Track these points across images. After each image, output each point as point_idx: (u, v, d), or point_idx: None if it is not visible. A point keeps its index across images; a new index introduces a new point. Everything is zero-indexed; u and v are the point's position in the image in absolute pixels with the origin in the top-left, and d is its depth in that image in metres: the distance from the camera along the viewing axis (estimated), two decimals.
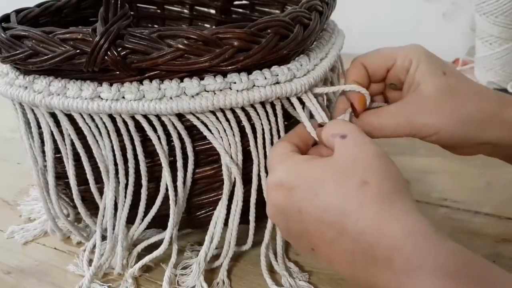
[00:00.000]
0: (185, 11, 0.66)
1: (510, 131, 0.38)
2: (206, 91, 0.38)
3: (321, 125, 0.39)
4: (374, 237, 0.29)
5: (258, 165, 0.43)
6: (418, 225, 0.29)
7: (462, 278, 0.26)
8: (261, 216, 0.44)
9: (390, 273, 0.28)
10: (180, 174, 0.42)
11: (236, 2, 0.64)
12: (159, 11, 0.67)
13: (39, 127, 0.44)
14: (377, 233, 0.29)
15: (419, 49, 0.40)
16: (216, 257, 0.46)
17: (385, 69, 0.41)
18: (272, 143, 0.42)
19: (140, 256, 0.46)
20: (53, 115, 0.42)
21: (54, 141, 0.44)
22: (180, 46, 0.36)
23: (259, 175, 0.43)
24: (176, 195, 0.43)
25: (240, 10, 0.64)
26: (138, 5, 0.67)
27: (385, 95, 0.44)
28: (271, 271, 0.45)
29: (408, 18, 1.02)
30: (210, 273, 0.46)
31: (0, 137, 0.78)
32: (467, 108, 0.38)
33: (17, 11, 0.48)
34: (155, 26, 0.67)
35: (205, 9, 0.66)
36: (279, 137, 0.42)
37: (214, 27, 0.46)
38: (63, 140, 0.43)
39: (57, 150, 0.44)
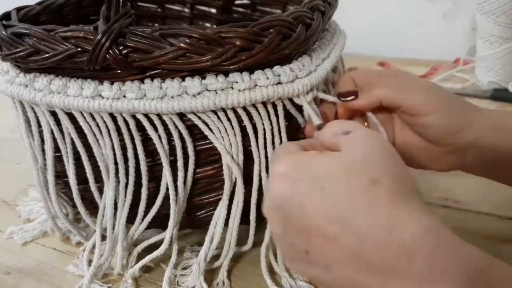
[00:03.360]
0: (186, 10, 0.66)
1: (489, 131, 0.40)
2: (207, 90, 0.38)
3: (319, 128, 0.37)
4: (385, 235, 0.27)
5: (259, 165, 0.42)
6: (436, 224, 0.28)
7: (486, 281, 0.26)
8: (262, 217, 0.44)
9: (403, 275, 0.26)
10: (180, 173, 0.42)
11: (237, 2, 0.64)
12: (159, 10, 0.67)
13: (39, 125, 0.44)
14: (389, 232, 0.27)
15: None
16: (216, 257, 0.46)
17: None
18: (273, 143, 0.42)
19: (140, 256, 0.46)
20: (54, 114, 0.42)
21: (54, 139, 0.44)
22: (182, 45, 0.36)
23: (260, 176, 0.43)
24: (176, 195, 0.43)
25: (241, 9, 0.64)
26: (139, 3, 0.67)
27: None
28: (271, 271, 0.45)
29: (408, 18, 1.02)
30: (210, 274, 0.45)
31: (0, 137, 0.77)
32: (451, 95, 0.41)
33: (18, 9, 0.48)
34: (156, 25, 0.67)
35: (206, 8, 0.65)
36: (280, 137, 0.42)
37: (214, 26, 0.46)
38: (63, 138, 0.43)
39: (57, 148, 0.44)
